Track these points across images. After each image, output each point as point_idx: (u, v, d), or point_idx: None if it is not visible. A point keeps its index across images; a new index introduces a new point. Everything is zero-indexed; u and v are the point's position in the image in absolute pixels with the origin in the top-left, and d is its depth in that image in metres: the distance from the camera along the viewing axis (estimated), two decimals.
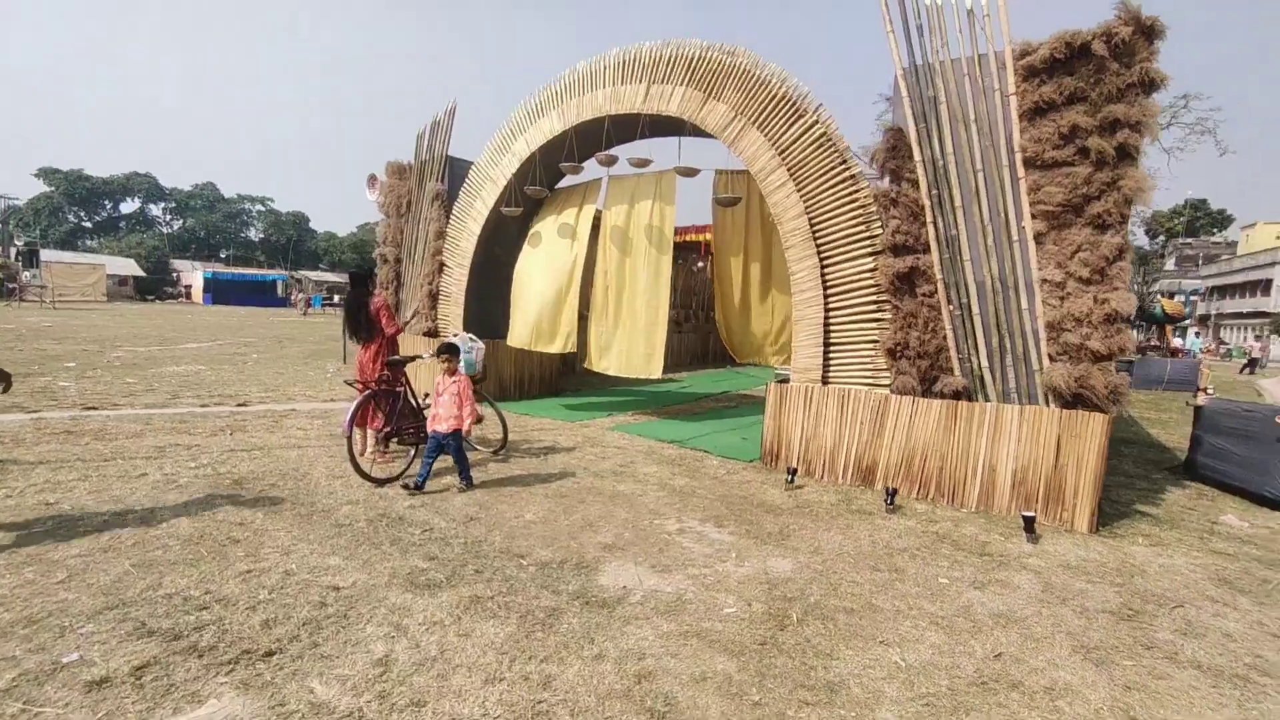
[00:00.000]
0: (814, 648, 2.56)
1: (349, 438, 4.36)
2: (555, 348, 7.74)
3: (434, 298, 8.59)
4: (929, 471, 4.75)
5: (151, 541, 3.26)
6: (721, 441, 6.45)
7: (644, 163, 6.68)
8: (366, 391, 4.71)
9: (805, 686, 2.31)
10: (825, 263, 5.29)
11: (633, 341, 7.05)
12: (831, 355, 5.30)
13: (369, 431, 5.13)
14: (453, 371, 4.59)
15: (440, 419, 4.48)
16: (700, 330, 15.14)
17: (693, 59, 6.09)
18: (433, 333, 8.56)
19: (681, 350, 14.20)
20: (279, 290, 45.20)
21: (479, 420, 4.72)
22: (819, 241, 5.31)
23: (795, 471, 4.98)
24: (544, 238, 7.86)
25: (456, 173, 8.60)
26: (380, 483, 4.41)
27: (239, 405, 7.21)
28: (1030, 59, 4.37)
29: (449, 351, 4.62)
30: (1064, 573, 3.44)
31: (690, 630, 2.64)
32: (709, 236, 14.96)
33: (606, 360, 7.25)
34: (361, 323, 5.26)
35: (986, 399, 4.61)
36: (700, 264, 15.03)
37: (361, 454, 5.03)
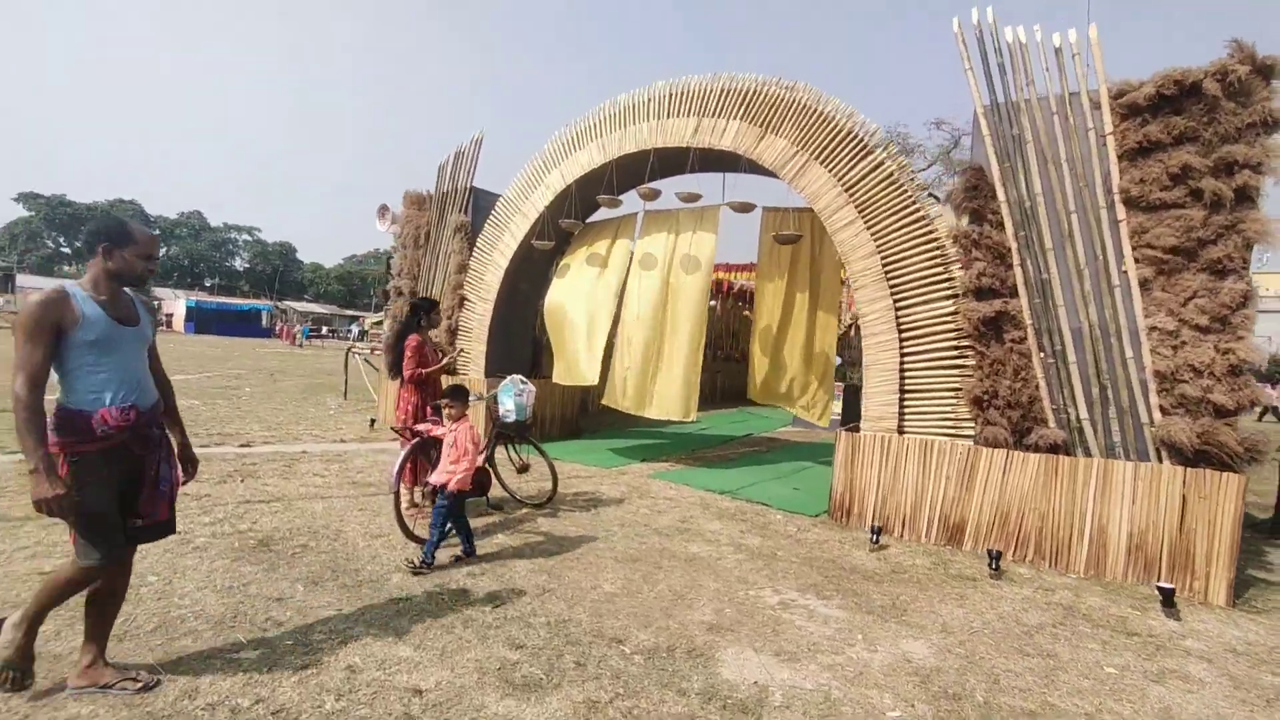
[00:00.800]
0: None
1: (396, 493, 3.85)
2: (588, 380, 7.26)
3: (453, 334, 8.13)
4: (1026, 531, 4.35)
5: (174, 624, 2.71)
6: (773, 492, 6.01)
7: (694, 197, 6.41)
8: (414, 441, 4.21)
9: None
10: (899, 305, 4.98)
11: (668, 381, 6.67)
12: (907, 403, 4.94)
13: (407, 485, 4.62)
14: (458, 417, 3.87)
15: (460, 470, 3.72)
16: (709, 370, 14.82)
17: (747, 93, 5.89)
18: (451, 370, 8.07)
19: None
20: (263, 320, 44.20)
21: (483, 476, 4.18)
22: (892, 282, 5.01)
23: (880, 531, 4.55)
24: (572, 270, 7.52)
25: (480, 205, 8.27)
26: (418, 538, 3.88)
27: (243, 446, 6.62)
28: (1131, 97, 4.18)
29: (453, 396, 3.95)
30: (1236, 659, 3.03)
31: None
32: (723, 275, 14.85)
33: (637, 400, 6.82)
34: (396, 357, 4.79)
35: (1087, 453, 4.27)
36: (713, 302, 14.81)
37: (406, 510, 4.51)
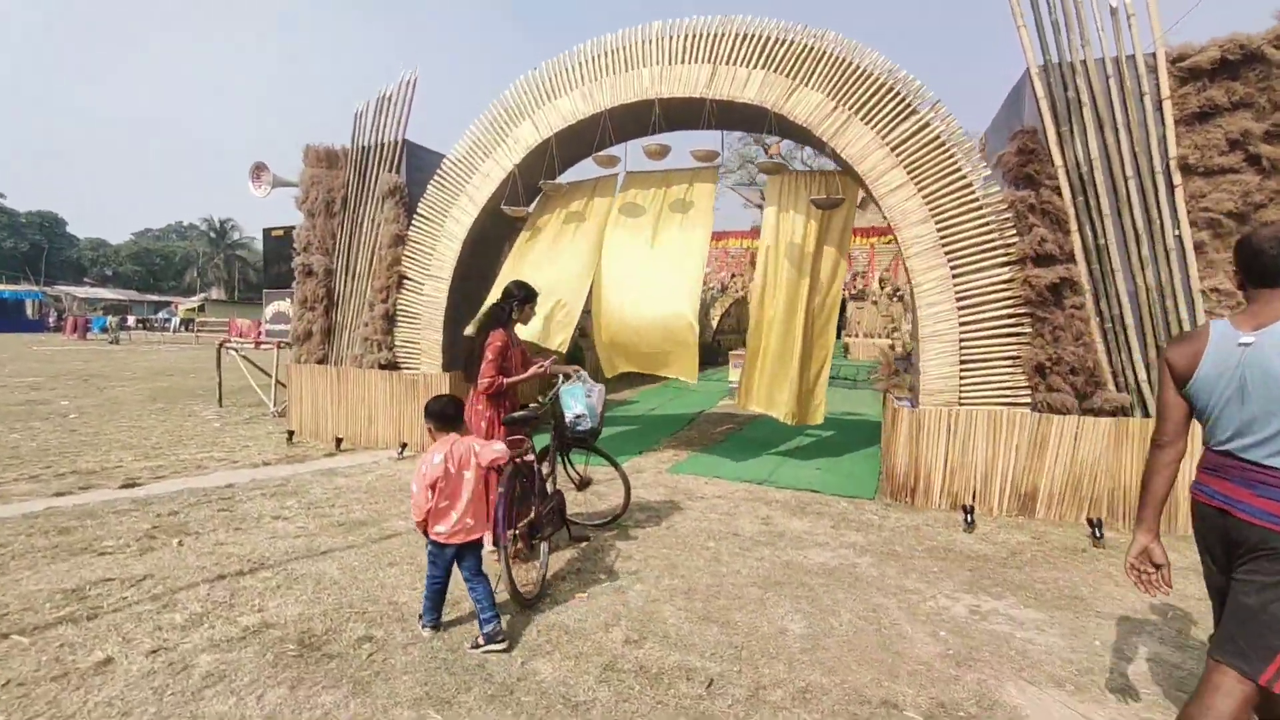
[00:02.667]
0: None
1: (504, 548, 2.85)
2: (554, 344, 6.25)
3: (390, 319, 6.72)
4: (1098, 494, 4.46)
5: None
6: (805, 476, 5.71)
7: (711, 155, 5.70)
8: (510, 469, 3.16)
9: None
10: (955, 273, 4.81)
11: (660, 343, 5.84)
12: (965, 374, 4.83)
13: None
14: (440, 436, 2.78)
15: (457, 516, 2.67)
16: None
17: (768, 39, 5.29)
18: (390, 365, 6.70)
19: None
20: (28, 310, 35.26)
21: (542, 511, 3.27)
22: (947, 250, 4.82)
23: (971, 510, 4.41)
24: (545, 232, 6.49)
25: (417, 163, 6.84)
26: (529, 602, 2.96)
27: (126, 487, 4.90)
28: (1194, 60, 4.26)
29: (437, 418, 2.79)
30: None
31: None
32: None
33: (641, 361, 5.98)
34: (474, 357, 3.60)
35: (1145, 414, 4.44)
36: None
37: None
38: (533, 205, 6.69)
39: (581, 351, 9.75)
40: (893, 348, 14.46)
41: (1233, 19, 4.37)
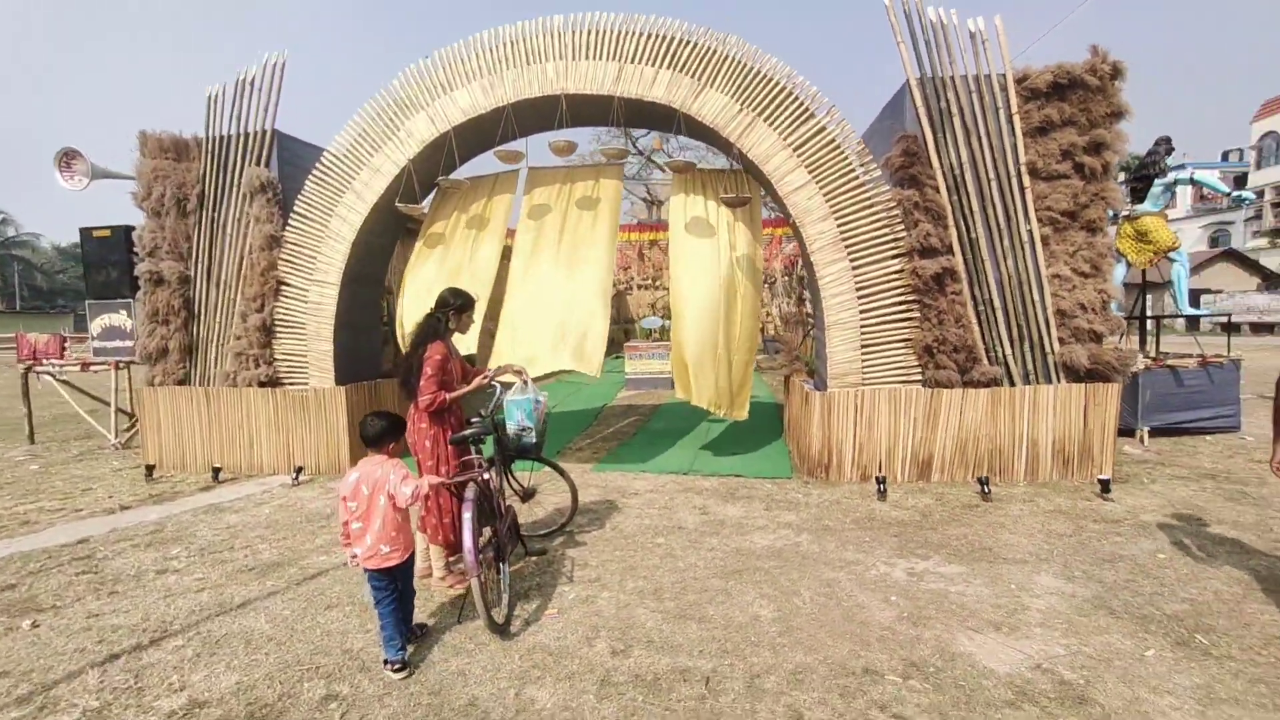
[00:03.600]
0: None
1: (478, 577, 2.66)
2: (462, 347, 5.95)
3: (267, 330, 6.00)
4: (980, 455, 5.12)
5: None
6: (726, 462, 5.95)
7: (622, 153, 5.70)
8: (472, 488, 2.93)
9: None
10: (854, 266, 5.25)
11: (573, 333, 5.75)
12: (866, 357, 5.30)
13: (431, 546, 3.29)
14: (392, 454, 2.73)
15: (371, 541, 2.55)
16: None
17: (674, 39, 5.37)
18: (271, 381, 5.99)
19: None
20: None
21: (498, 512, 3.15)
22: (847, 245, 5.24)
23: (884, 480, 4.85)
24: (446, 236, 6.14)
25: (289, 157, 6.14)
26: (503, 629, 2.81)
27: None
28: (1033, 82, 4.97)
29: (362, 438, 2.74)
30: (1177, 510, 4.04)
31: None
32: None
33: (548, 357, 5.81)
34: (412, 369, 3.23)
35: (1012, 382, 5.16)
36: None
37: (427, 577, 3.23)
38: (427, 202, 6.29)
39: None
40: (763, 330, 15.43)
41: (1068, 46, 5.17)
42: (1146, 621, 2.81)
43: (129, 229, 7.49)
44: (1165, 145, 6.97)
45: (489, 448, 3.43)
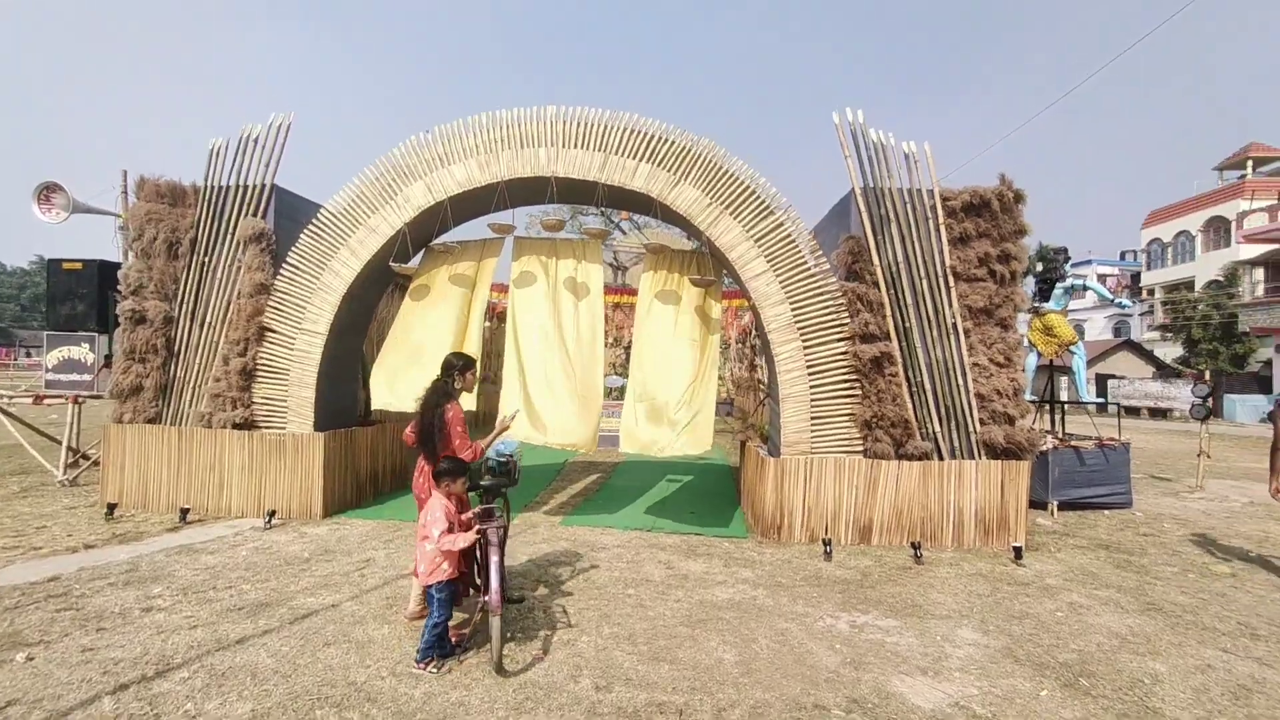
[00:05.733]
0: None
1: (500, 615, 2.96)
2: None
3: (247, 375, 6.15)
4: (914, 521, 5.72)
5: None
6: (687, 520, 6.37)
7: (603, 234, 6.29)
8: (496, 533, 3.23)
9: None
10: (806, 346, 5.91)
11: (566, 407, 6.21)
12: (815, 428, 5.90)
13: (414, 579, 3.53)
14: (447, 493, 3.30)
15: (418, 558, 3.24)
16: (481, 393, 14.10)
17: (653, 137, 6.10)
18: (247, 424, 6.10)
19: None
20: None
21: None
22: (799, 327, 5.92)
23: (830, 543, 5.36)
24: (433, 291, 6.52)
25: (286, 211, 6.47)
26: (499, 666, 3.09)
27: None
28: (952, 202, 5.91)
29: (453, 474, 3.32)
30: (1075, 575, 4.69)
31: None
32: (496, 295, 14.31)
33: (536, 427, 6.20)
34: (434, 430, 3.51)
35: (941, 456, 5.84)
36: (487, 323, 14.10)
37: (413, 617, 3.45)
38: (416, 260, 6.69)
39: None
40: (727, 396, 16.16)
41: (985, 169, 6.16)
42: (1043, 668, 3.35)
43: (103, 263, 7.57)
44: (1064, 255, 8.17)
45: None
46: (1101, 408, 21.87)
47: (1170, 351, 30.27)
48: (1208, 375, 8.97)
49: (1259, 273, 27.35)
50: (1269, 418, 5.66)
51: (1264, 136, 32.54)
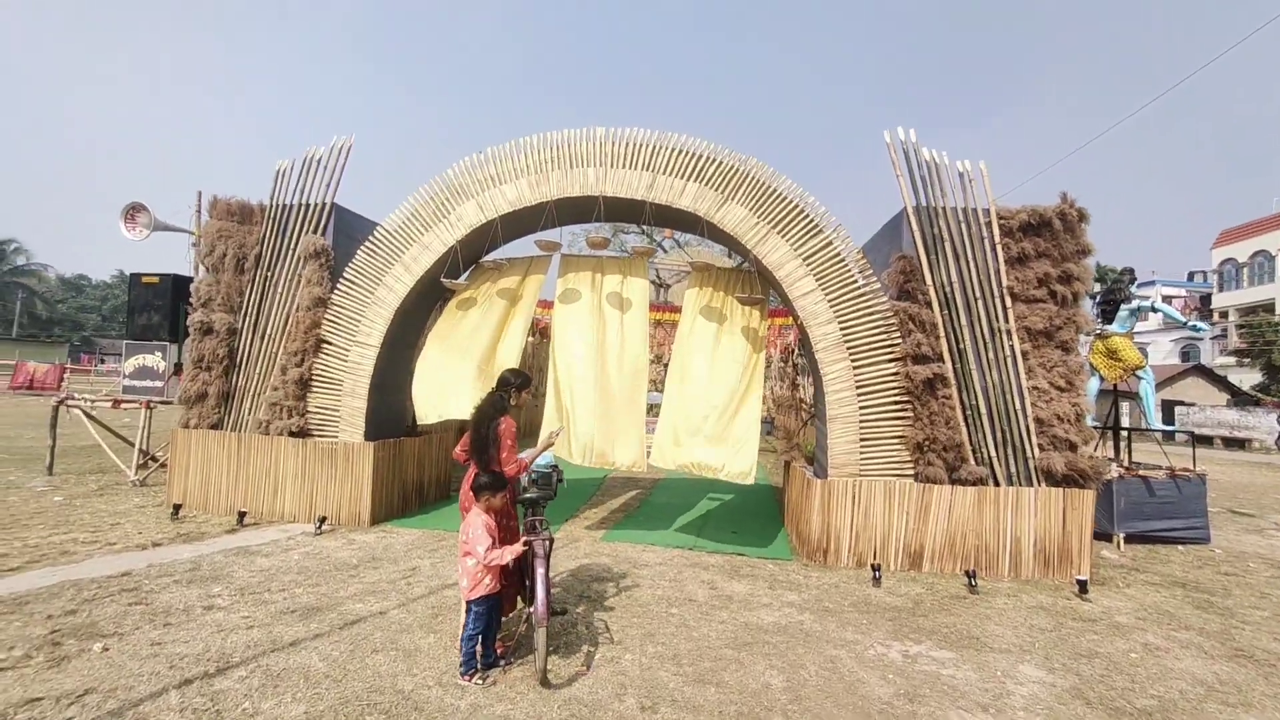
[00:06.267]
0: None
1: (545, 628, 2.98)
2: (464, 413, 6.20)
3: (304, 384, 6.39)
4: (968, 549, 5.48)
5: None
6: (729, 539, 6.27)
7: (649, 251, 6.33)
8: (542, 545, 3.26)
9: None
10: (855, 366, 5.79)
11: (611, 426, 6.20)
12: (864, 450, 5.74)
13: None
14: (486, 508, 3.28)
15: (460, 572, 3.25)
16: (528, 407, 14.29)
17: (701, 157, 6.14)
18: (301, 432, 6.33)
19: None
20: None
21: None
22: (849, 346, 5.80)
23: (879, 568, 5.18)
24: (479, 303, 6.67)
25: (344, 229, 6.75)
26: (543, 680, 3.08)
27: None
28: (1009, 221, 5.73)
29: (475, 489, 3.32)
30: (1148, 613, 4.39)
31: None
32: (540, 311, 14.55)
33: (584, 450, 6.21)
34: (489, 441, 3.57)
35: (996, 483, 5.60)
36: (531, 338, 14.36)
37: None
38: (465, 276, 6.87)
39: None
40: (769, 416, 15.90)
41: (1045, 188, 5.95)
42: (1118, 713, 3.13)
43: (177, 278, 8.04)
44: (1129, 275, 7.80)
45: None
46: (1169, 436, 20.63)
47: (1248, 378, 28.41)
48: None
49: None
50: None
51: None
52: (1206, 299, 35.83)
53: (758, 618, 4.19)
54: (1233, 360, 30.51)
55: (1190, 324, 8.23)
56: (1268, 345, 26.08)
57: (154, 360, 7.93)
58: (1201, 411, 25.34)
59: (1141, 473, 7.20)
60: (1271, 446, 22.33)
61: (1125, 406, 8.04)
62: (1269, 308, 29.61)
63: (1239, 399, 26.72)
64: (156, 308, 8.03)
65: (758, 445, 5.98)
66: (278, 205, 6.73)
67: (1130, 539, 6.87)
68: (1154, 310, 7.67)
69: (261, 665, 3.09)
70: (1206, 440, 23.16)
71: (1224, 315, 33.47)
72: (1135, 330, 7.93)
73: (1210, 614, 4.73)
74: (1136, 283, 7.76)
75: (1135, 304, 7.56)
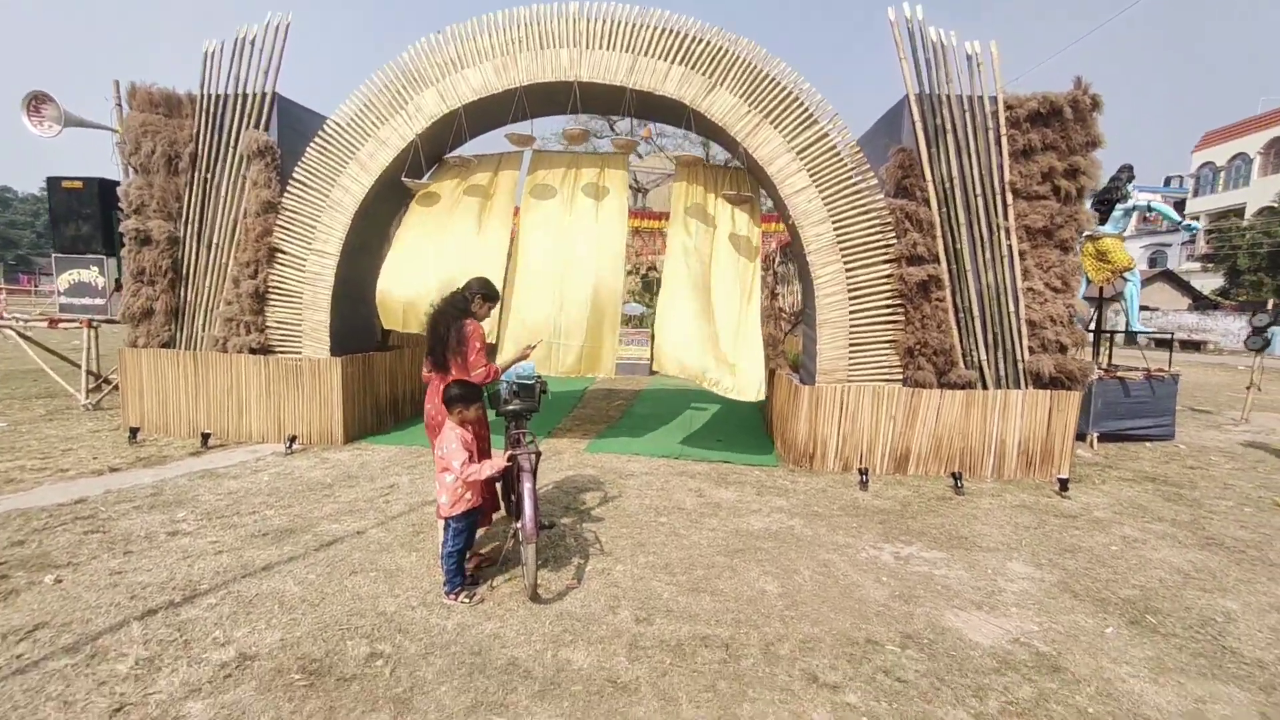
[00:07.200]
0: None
1: (534, 543, 2.83)
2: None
3: (260, 298, 5.92)
4: (953, 452, 5.50)
5: None
6: (715, 448, 6.22)
7: (631, 145, 5.80)
8: (529, 458, 3.05)
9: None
10: (848, 268, 5.52)
11: (581, 338, 5.85)
12: (853, 355, 5.60)
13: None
14: (460, 420, 2.99)
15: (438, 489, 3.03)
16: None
17: (687, 36, 5.49)
18: (263, 349, 5.93)
19: None
20: None
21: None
22: (842, 248, 5.50)
23: (866, 472, 5.17)
24: (444, 199, 6.12)
25: (289, 123, 6.02)
26: (533, 595, 2.97)
27: None
28: (1017, 110, 5.31)
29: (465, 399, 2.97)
30: (1124, 508, 4.48)
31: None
32: None
33: (548, 361, 5.90)
34: (450, 344, 3.23)
35: (985, 386, 5.55)
36: None
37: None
38: (428, 176, 6.28)
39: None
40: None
41: (1056, 73, 5.50)
42: (1104, 604, 3.17)
43: (103, 181, 7.24)
44: (1128, 173, 7.50)
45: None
46: (1131, 338, 21.29)
47: (1209, 283, 29.08)
48: (1270, 304, 8.41)
49: None
50: None
51: None
52: (1180, 205, 35.98)
53: (747, 524, 4.14)
54: (1198, 266, 31.09)
55: (1184, 224, 8.07)
56: (1234, 249, 26.49)
57: (90, 275, 7.27)
58: (1164, 316, 26.08)
59: (1120, 374, 7.27)
60: (1224, 347, 23.22)
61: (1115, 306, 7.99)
62: (1240, 212, 29.84)
63: (1199, 303, 27.48)
64: (85, 216, 7.25)
65: (764, 361, 5.72)
66: (209, 96, 5.93)
67: (1103, 438, 7.03)
68: (1149, 210, 7.46)
69: (232, 592, 2.92)
70: (1166, 343, 23.98)
71: (1195, 219, 33.73)
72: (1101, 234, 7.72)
73: (1180, 506, 4.86)
74: (1134, 181, 7.49)
75: (1132, 203, 7.33)
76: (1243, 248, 25.98)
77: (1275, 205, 26.73)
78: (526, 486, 2.93)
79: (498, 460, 2.94)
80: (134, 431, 5.72)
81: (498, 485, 3.66)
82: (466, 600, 2.92)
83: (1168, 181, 42.27)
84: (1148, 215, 8.07)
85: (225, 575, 3.09)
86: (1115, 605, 3.16)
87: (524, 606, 2.91)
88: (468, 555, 3.12)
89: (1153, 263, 35.74)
